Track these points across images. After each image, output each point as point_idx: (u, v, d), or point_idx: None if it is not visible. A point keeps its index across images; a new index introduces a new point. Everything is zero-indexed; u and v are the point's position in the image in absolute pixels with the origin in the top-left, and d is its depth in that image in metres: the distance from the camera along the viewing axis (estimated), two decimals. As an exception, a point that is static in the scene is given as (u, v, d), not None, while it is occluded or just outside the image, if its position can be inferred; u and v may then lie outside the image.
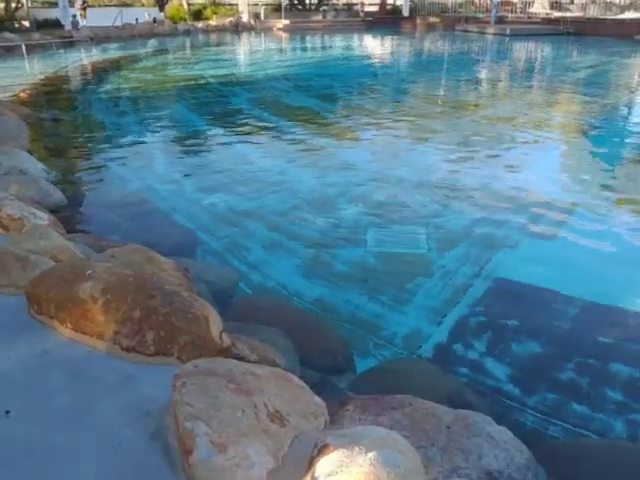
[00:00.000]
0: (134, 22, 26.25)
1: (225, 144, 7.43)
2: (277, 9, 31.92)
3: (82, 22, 24.66)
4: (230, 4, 33.09)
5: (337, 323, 3.24)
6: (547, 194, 5.24)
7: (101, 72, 14.52)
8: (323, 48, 22.30)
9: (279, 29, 29.06)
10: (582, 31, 23.89)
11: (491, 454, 1.83)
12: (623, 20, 23.80)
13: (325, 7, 34.58)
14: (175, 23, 28.00)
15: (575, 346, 3.04)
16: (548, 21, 26.54)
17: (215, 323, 2.27)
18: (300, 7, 34.11)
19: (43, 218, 3.63)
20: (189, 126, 8.50)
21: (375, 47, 23.01)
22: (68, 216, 4.51)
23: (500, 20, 27.90)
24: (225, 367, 1.87)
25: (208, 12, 31.18)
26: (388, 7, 34.76)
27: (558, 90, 11.76)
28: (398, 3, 34.78)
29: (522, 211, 4.81)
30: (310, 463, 1.56)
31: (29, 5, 25.58)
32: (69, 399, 1.92)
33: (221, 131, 8.07)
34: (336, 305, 3.45)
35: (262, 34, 27.38)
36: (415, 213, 4.80)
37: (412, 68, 16.47)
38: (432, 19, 31.56)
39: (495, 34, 25.41)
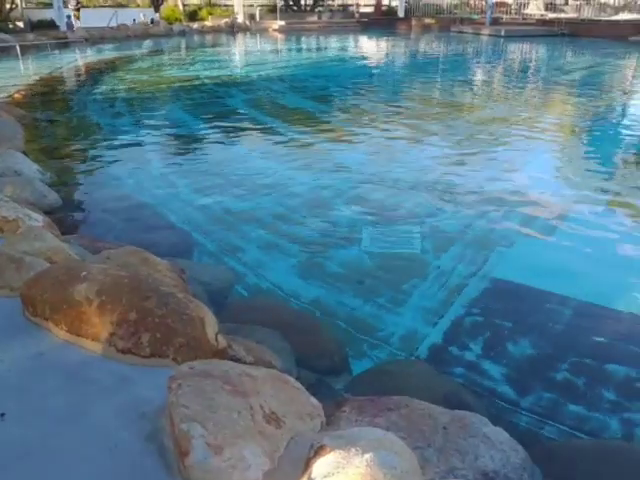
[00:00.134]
0: (130, 23, 26.21)
1: (220, 145, 7.42)
2: (272, 10, 31.94)
3: (76, 23, 24.59)
4: (226, 5, 33.11)
5: (333, 324, 3.24)
6: (542, 195, 5.26)
7: (96, 73, 14.49)
8: (318, 49, 22.33)
9: (274, 30, 29.08)
10: (576, 32, 24.00)
11: (487, 455, 1.83)
12: (617, 21, 23.92)
13: (320, 8, 34.64)
14: (170, 24, 27.99)
15: (570, 346, 3.05)
16: (543, 22, 26.65)
17: (211, 324, 2.26)
18: (295, 8, 34.14)
19: (38, 219, 3.61)
20: (184, 127, 8.49)
21: (370, 48, 23.05)
22: (63, 217, 4.50)
23: (495, 21, 28.02)
24: (221, 369, 1.87)
25: (203, 13, 31.18)
26: (383, 8, 34.84)
27: (552, 91, 11.80)
28: (393, 4, 34.87)
29: (518, 212, 4.83)
30: (306, 464, 1.56)
31: (23, 6, 25.50)
32: (64, 401, 1.91)
33: (216, 132, 8.05)
34: (332, 306, 3.45)
35: (257, 35, 27.39)
36: (411, 214, 4.80)
37: (407, 69, 16.50)
38: (427, 20, 31.65)
39: (490, 35, 25.49)
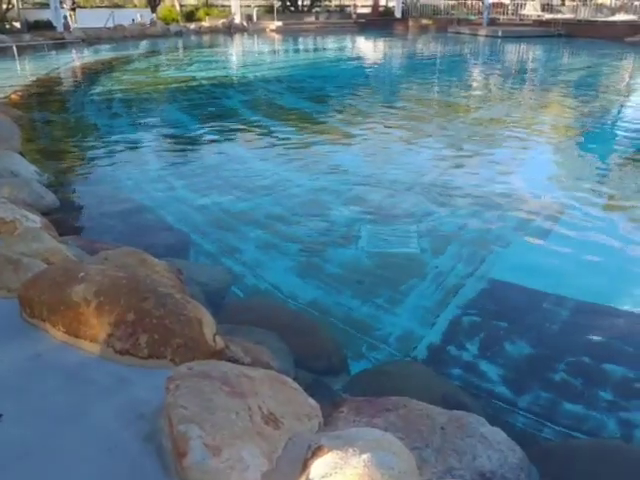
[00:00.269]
0: (127, 23, 26.15)
1: (218, 146, 7.42)
2: (270, 11, 31.95)
3: (72, 24, 24.54)
4: (223, 5, 33.10)
5: (331, 324, 3.25)
6: (538, 196, 5.27)
7: (93, 74, 14.47)
8: (315, 50, 22.33)
9: (272, 30, 29.08)
10: (573, 33, 24.05)
11: (485, 455, 1.84)
12: (614, 22, 23.99)
13: (318, 9, 34.68)
14: (167, 24, 27.94)
15: (567, 346, 3.06)
16: (540, 23, 26.71)
17: (208, 325, 2.26)
18: (293, 9, 34.15)
19: (35, 221, 3.61)
20: (181, 128, 8.48)
21: (367, 49, 23.07)
22: (60, 219, 4.49)
23: (492, 22, 28.07)
24: (219, 369, 1.87)
25: (201, 13, 31.16)
26: (380, 9, 34.84)
27: (549, 92, 11.82)
28: (390, 5, 34.87)
29: (514, 212, 4.84)
30: (304, 465, 1.56)
31: (20, 6, 25.44)
32: (63, 402, 1.91)
33: (214, 133, 8.05)
34: (329, 306, 3.45)
35: (255, 35, 27.37)
36: (408, 214, 4.81)
37: (404, 70, 16.52)
38: (424, 21, 31.68)
39: (487, 36, 25.53)
